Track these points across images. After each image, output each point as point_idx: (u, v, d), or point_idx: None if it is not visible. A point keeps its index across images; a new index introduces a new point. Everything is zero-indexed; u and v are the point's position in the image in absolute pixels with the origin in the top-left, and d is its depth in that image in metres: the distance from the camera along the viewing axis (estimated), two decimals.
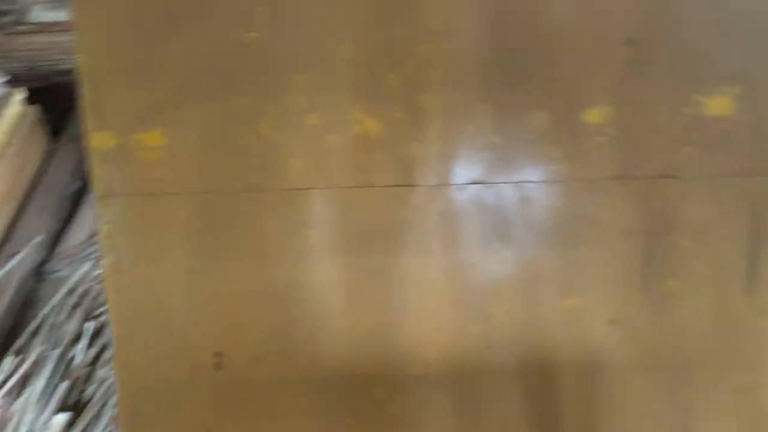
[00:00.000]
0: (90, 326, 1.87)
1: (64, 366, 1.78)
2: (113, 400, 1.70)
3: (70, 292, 1.96)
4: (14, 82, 2.29)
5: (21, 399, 1.66)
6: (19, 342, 1.82)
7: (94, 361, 1.81)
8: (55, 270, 2.07)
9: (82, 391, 1.75)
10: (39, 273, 2.08)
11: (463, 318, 1.04)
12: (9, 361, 1.73)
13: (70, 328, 1.87)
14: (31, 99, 2.30)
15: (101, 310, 1.89)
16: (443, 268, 1.03)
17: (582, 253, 1.02)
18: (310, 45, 0.99)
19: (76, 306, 1.93)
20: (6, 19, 2.41)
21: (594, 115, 0.99)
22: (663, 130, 0.99)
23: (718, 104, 0.98)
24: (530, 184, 1.01)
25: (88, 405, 1.72)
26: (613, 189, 1.00)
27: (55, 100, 2.37)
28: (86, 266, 2.02)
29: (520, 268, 1.03)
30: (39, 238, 2.11)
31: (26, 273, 2.04)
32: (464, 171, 1.01)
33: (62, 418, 1.67)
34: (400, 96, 1.00)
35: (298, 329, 1.03)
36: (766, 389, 1.03)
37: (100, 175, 1.01)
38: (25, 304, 1.98)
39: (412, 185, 1.01)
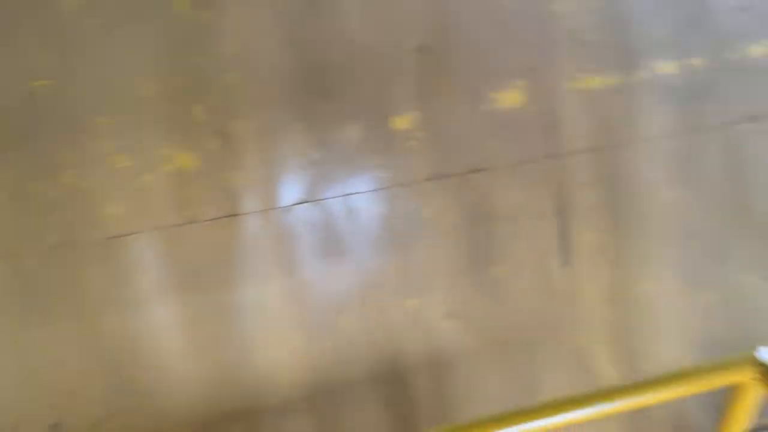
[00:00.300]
0: None
1: None
2: None
3: None
4: None
5: None
6: None
7: None
8: None
9: None
10: None
11: (311, 337, 1.04)
12: None
13: None
14: None
15: None
16: (284, 292, 1.03)
17: (413, 254, 1.06)
18: (109, 86, 0.96)
19: None
20: None
21: (402, 122, 1.03)
22: (466, 128, 1.05)
23: (509, 97, 1.06)
24: (354, 196, 1.04)
25: None
26: (431, 189, 1.05)
27: None
28: None
29: (359, 278, 1.05)
30: None
31: None
32: (289, 192, 1.02)
33: None
34: (211, 126, 0.98)
35: (139, 383, 0.98)
36: (591, 350, 1.12)
37: None
38: None
39: (238, 214, 1.00)
